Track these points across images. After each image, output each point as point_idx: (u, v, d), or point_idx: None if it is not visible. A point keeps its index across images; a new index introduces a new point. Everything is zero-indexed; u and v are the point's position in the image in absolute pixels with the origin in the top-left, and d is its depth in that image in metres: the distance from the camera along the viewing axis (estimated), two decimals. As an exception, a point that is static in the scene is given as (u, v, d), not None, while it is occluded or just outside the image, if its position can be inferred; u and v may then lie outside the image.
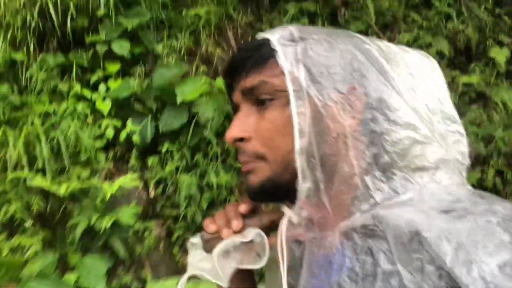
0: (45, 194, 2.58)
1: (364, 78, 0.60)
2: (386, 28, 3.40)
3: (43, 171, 2.56)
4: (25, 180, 2.50)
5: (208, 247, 0.71)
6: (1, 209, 2.43)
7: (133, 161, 2.85)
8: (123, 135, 2.80)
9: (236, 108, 0.70)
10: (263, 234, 0.68)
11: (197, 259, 0.73)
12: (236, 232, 0.70)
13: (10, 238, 2.42)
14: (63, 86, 2.87)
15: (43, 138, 2.47)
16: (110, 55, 3.00)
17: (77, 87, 2.87)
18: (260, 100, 0.64)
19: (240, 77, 0.67)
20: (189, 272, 0.72)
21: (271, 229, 0.70)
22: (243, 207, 0.71)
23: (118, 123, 2.84)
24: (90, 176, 2.67)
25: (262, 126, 0.64)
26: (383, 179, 0.59)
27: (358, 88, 0.60)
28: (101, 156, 2.73)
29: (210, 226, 0.71)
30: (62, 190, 2.41)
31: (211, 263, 0.70)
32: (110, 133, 2.79)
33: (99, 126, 2.81)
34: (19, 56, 2.83)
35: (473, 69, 3.34)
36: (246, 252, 0.70)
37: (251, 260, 0.71)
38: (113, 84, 2.93)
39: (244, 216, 0.71)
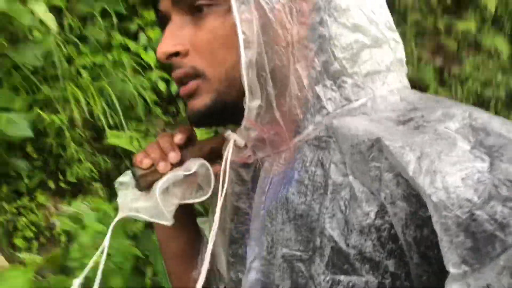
0: (108, 151, 2.46)
1: None
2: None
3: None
4: (88, 140, 2.37)
5: (143, 183, 0.65)
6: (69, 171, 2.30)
7: (183, 115, 2.77)
8: (174, 87, 2.70)
9: (164, 21, 0.61)
10: (207, 164, 0.65)
11: (129, 199, 0.67)
12: (173, 165, 0.65)
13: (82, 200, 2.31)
14: (100, 35, 2.67)
15: (111, 92, 2.33)
16: (146, 2, 2.82)
17: (118, 37, 2.68)
18: (195, 7, 0.56)
19: None
20: (122, 213, 0.67)
21: (211, 157, 0.66)
22: (179, 137, 0.66)
23: (166, 75, 2.72)
24: (148, 132, 2.57)
25: (200, 38, 0.57)
26: (334, 87, 0.55)
27: None
28: (158, 110, 2.63)
29: (144, 160, 0.65)
30: (135, 146, 2.32)
31: (146, 201, 0.65)
32: (161, 85, 2.68)
33: (149, 79, 2.68)
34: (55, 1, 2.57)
35: (469, 16, 3.58)
36: (186, 185, 0.66)
37: (194, 193, 0.67)
38: (153, 33, 2.78)
39: (180, 147, 0.66)
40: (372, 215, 0.47)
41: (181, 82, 0.60)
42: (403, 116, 0.50)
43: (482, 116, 0.45)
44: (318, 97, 0.55)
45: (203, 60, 0.57)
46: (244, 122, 0.57)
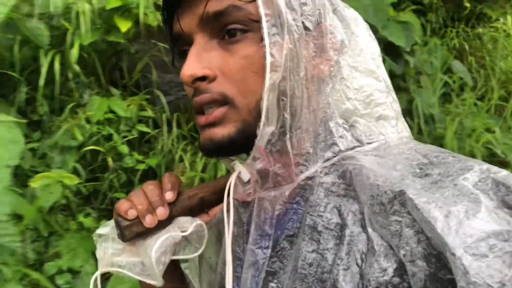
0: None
1: (327, 16, 0.56)
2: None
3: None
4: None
5: (128, 234, 0.61)
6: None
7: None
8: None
9: (180, 41, 0.58)
10: (204, 225, 0.64)
11: (110, 253, 0.63)
12: (160, 220, 0.62)
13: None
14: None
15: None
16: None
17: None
18: (227, 31, 0.53)
19: None
20: (103, 268, 0.63)
21: (199, 208, 0.65)
22: (170, 196, 0.62)
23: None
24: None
25: (232, 64, 0.53)
26: (346, 126, 0.55)
27: (326, 25, 0.55)
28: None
29: (130, 211, 0.61)
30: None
31: (131, 256, 0.63)
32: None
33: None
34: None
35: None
36: (176, 241, 0.63)
37: (182, 249, 0.64)
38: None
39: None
40: (390, 271, 0.44)
41: (202, 109, 0.55)
42: (419, 170, 0.48)
43: (501, 171, 0.44)
44: (330, 133, 0.54)
45: (234, 87, 0.53)
46: (253, 151, 0.54)
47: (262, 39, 0.52)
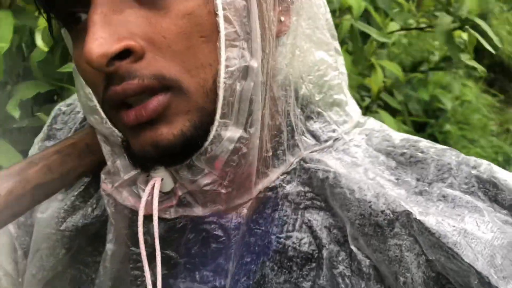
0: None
1: None
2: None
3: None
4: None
5: None
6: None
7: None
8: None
9: (62, 1, 0.37)
10: None
11: None
12: None
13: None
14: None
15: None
16: None
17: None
18: None
19: None
20: None
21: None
22: None
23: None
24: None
25: (166, 28, 0.35)
26: (302, 118, 0.43)
27: None
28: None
29: None
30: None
31: None
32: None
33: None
34: None
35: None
36: None
37: None
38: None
39: None
40: None
41: (127, 101, 0.37)
42: (394, 177, 0.42)
43: (480, 164, 0.41)
44: (292, 129, 0.43)
45: (175, 62, 0.35)
46: (197, 159, 0.38)
47: None
